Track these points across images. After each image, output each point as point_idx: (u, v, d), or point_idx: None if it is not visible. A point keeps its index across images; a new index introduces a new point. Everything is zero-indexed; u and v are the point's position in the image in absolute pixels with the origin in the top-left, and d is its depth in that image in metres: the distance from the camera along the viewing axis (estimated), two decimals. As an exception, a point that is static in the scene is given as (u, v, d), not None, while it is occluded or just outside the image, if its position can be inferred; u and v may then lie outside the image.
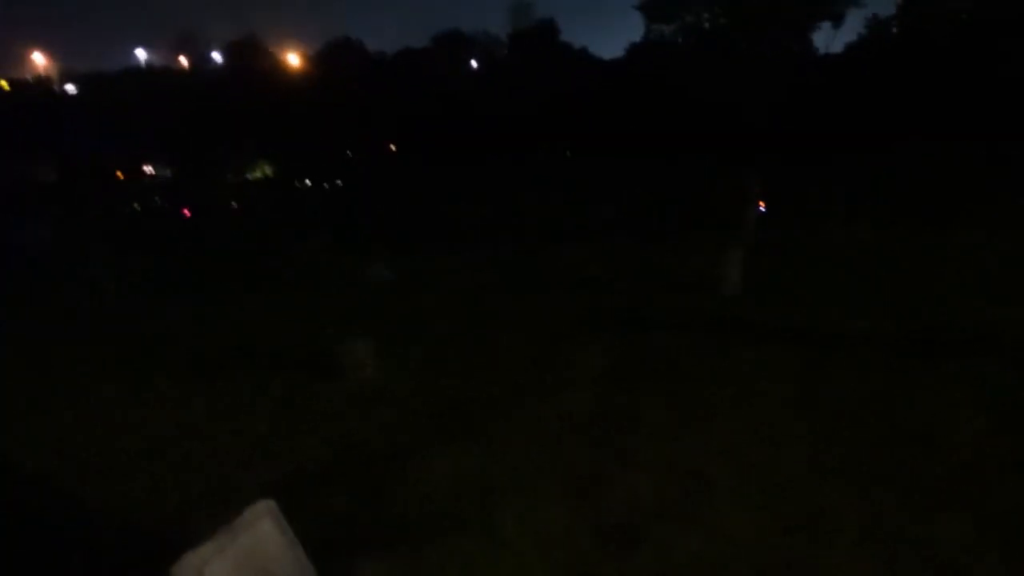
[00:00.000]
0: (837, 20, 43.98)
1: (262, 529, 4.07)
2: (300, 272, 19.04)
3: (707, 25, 48.82)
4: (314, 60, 70.55)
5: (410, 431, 6.58)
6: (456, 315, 11.69)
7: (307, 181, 51.88)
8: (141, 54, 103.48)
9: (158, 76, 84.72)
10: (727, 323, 9.36)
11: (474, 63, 64.66)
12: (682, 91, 40.84)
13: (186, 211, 43.05)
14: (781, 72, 40.64)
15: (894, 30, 43.15)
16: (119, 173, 58.53)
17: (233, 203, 45.13)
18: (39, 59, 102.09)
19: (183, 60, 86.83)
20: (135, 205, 46.65)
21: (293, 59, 74.67)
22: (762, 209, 18.26)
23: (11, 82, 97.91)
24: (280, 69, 70.75)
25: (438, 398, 7.49)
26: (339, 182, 48.88)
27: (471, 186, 35.41)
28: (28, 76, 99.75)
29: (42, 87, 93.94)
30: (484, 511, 4.91)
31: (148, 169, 61.46)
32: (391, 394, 7.72)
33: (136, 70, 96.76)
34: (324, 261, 20.30)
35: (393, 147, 54.80)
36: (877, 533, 4.46)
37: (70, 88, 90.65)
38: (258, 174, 58.71)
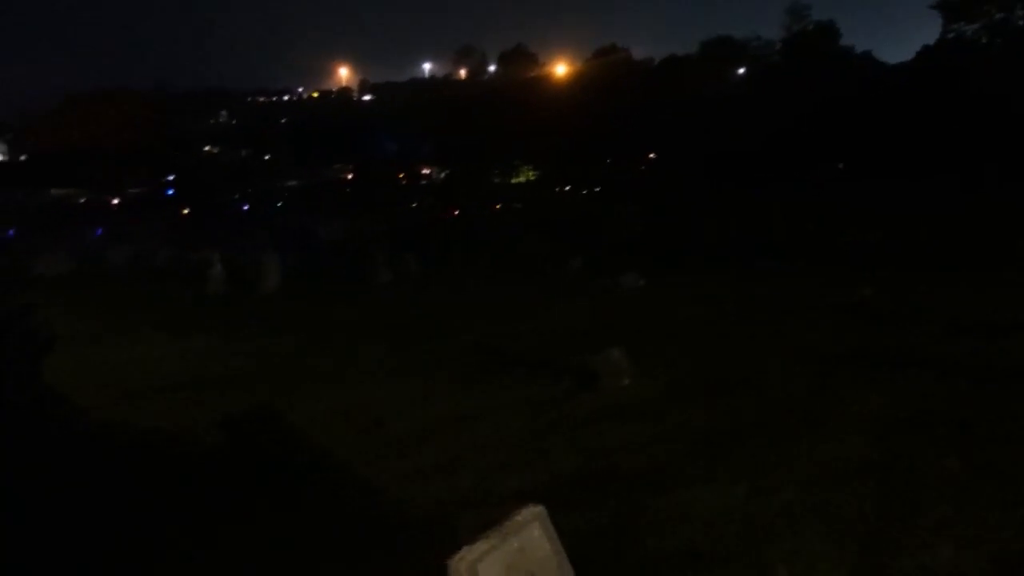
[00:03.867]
0: None
1: (532, 534, 4.21)
2: (554, 276, 19.69)
3: (1022, 22, 42.76)
4: (581, 68, 72.64)
5: (667, 451, 6.48)
6: (711, 332, 11.35)
7: (567, 187, 53.43)
8: (427, 66, 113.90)
9: (439, 85, 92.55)
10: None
11: (743, 70, 62.50)
12: (986, 98, 36.01)
13: (455, 211, 46.39)
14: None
15: None
16: (401, 174, 64.61)
17: (496, 205, 47.80)
18: (344, 72, 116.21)
19: (463, 71, 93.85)
20: (412, 204, 51.17)
21: (560, 67, 77.64)
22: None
23: (320, 92, 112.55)
24: (546, 77, 73.80)
25: (696, 418, 7.29)
26: (599, 188, 49.72)
27: (732, 200, 34.12)
28: (334, 87, 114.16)
29: (343, 96, 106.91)
30: (750, 551, 4.67)
31: (426, 171, 67.14)
32: (649, 408, 7.66)
33: (420, 80, 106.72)
34: (576, 267, 20.80)
35: (653, 155, 54.60)
36: None
37: (367, 97, 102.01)
38: (521, 178, 61.56)
